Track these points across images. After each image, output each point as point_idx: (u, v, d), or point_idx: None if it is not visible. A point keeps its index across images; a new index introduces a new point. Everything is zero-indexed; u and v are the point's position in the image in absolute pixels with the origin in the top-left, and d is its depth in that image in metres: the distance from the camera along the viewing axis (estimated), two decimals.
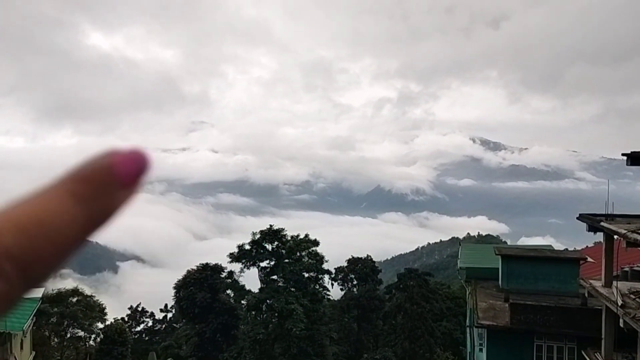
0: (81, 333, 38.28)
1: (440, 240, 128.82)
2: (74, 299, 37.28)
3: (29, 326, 24.27)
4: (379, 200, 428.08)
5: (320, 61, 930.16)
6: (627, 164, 17.28)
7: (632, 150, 16.38)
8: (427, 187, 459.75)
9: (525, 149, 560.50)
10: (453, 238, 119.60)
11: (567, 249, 48.00)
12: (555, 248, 35.19)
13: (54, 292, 35.02)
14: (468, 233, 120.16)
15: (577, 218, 20.17)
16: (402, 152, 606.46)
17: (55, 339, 37.43)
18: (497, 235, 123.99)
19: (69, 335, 37.99)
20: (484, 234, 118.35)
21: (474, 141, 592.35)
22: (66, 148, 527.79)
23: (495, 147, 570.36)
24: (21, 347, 25.14)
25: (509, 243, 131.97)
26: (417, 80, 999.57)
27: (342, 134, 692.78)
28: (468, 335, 29.37)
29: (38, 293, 23.40)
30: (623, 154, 17.15)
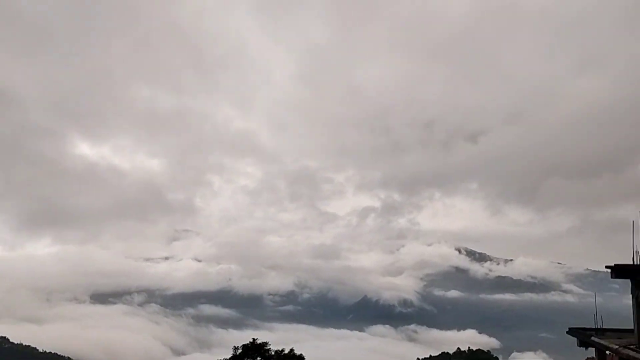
0: None
1: (430, 356, 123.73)
2: None
3: None
4: (366, 311, 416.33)
5: (306, 171, 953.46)
6: (611, 277, 17.38)
7: (615, 262, 16.56)
8: (415, 298, 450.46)
9: (511, 260, 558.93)
10: (443, 353, 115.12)
11: None
12: None
13: None
14: (458, 348, 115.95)
15: (568, 332, 19.82)
16: (388, 262, 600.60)
17: None
18: (488, 350, 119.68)
19: None
20: (474, 348, 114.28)
21: (459, 251, 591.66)
22: (45, 257, 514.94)
23: (481, 257, 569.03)
24: None
25: (500, 359, 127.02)
26: (400, 191, 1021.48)
27: (327, 242, 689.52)
28: None
29: None
30: (607, 267, 17.29)
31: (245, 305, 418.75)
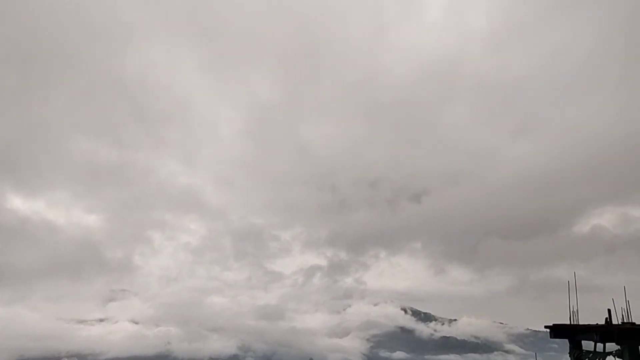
0: None
1: None
2: None
3: None
4: None
5: (252, 228, 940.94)
6: (550, 337, 17.81)
7: (553, 322, 17.02)
8: None
9: (455, 320, 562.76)
10: None
11: None
12: None
13: None
14: None
15: None
16: (334, 322, 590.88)
17: None
18: None
19: None
20: None
21: (405, 311, 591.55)
22: None
23: (426, 317, 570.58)
24: None
25: None
26: (347, 249, 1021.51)
27: (272, 303, 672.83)
28: None
29: None
30: (546, 327, 17.74)
31: None
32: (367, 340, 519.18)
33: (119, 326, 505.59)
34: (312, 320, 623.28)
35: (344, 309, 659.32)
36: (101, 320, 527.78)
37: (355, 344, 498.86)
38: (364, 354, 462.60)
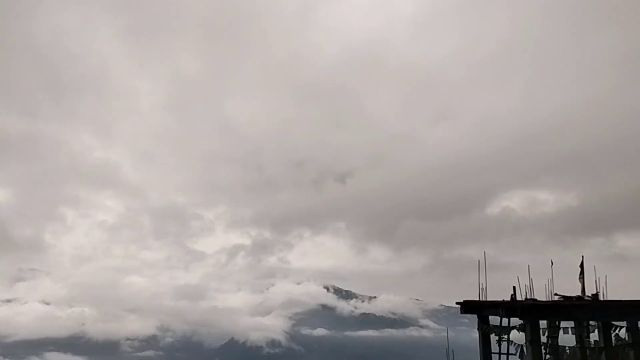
0: None
1: None
2: None
3: None
4: (232, 354, 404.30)
5: (173, 206, 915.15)
6: (460, 312, 18.76)
7: (464, 298, 17.91)
8: (283, 338, 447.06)
9: (374, 297, 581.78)
10: None
11: None
12: None
13: None
14: None
15: None
16: (257, 302, 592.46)
17: None
18: None
19: None
20: None
21: (327, 290, 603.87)
22: None
23: (348, 295, 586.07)
24: None
25: None
26: (271, 229, 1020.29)
27: (193, 282, 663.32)
28: None
29: None
30: (457, 303, 18.67)
31: (99, 351, 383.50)
32: (290, 318, 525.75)
33: (29, 307, 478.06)
34: (235, 300, 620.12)
35: (267, 288, 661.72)
36: (8, 301, 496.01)
37: (277, 322, 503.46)
38: (285, 332, 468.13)
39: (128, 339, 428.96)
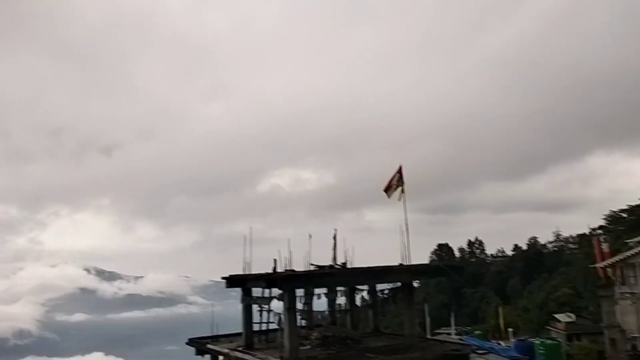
0: None
1: None
2: None
3: None
4: None
5: None
6: (226, 287, 19.14)
7: (233, 273, 18.29)
8: (34, 327, 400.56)
9: (141, 277, 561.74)
10: None
11: None
12: None
13: None
14: None
15: (187, 343, 20.67)
16: (1, 288, 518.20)
17: None
18: None
19: None
20: None
21: (88, 271, 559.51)
22: None
23: (111, 276, 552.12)
24: None
25: None
26: (20, 206, 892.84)
27: None
28: None
29: None
30: (222, 278, 18.97)
31: None
32: (42, 304, 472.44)
33: None
34: None
35: (14, 273, 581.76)
36: None
37: (26, 310, 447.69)
38: (37, 320, 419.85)
39: None
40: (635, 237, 43.93)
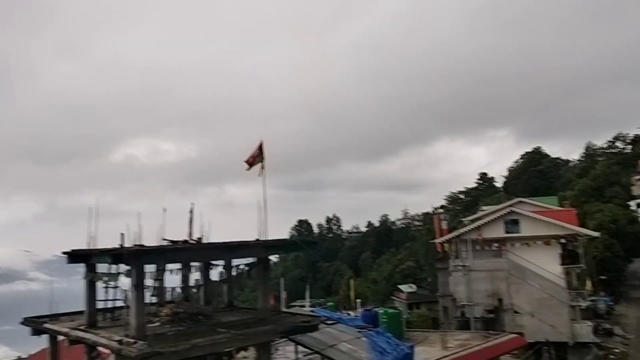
0: None
1: None
2: None
3: None
4: None
5: None
6: (67, 263, 17.71)
7: (76, 248, 16.95)
8: None
9: None
10: None
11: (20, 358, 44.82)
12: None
13: None
14: None
15: (21, 323, 18.90)
16: None
17: None
18: None
19: None
20: None
21: None
22: None
23: None
24: None
25: None
26: None
27: None
28: None
29: None
30: (63, 253, 17.51)
31: None
32: None
33: None
34: None
35: None
36: None
37: None
38: None
39: None
40: (469, 215, 49.48)
